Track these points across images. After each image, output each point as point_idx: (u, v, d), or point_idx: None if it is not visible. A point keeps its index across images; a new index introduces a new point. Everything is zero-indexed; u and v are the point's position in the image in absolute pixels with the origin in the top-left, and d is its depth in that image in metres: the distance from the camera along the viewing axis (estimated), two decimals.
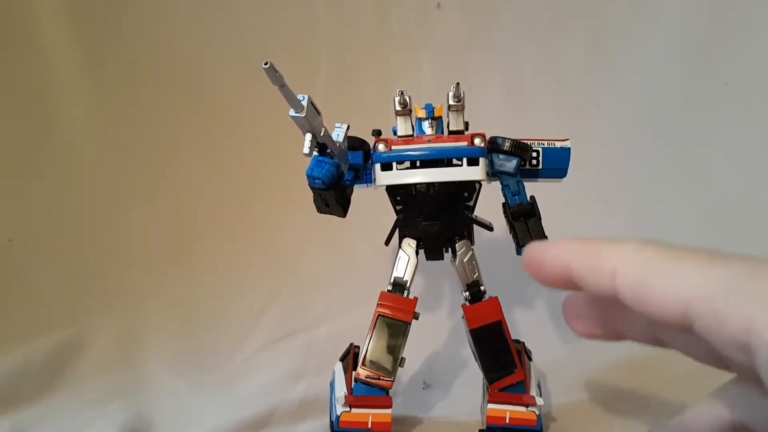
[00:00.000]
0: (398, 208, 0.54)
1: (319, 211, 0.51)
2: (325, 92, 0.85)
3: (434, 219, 0.52)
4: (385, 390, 0.50)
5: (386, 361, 0.51)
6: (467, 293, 0.53)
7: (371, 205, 0.56)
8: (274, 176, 0.86)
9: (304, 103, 0.40)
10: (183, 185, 0.87)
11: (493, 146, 0.49)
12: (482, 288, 0.53)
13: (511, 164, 0.50)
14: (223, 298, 0.81)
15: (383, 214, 0.55)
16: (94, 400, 0.64)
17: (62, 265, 0.81)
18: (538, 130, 0.53)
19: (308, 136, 0.42)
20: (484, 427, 0.51)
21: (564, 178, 0.53)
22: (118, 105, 0.85)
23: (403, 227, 0.54)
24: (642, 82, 0.84)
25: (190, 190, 0.87)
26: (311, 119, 0.41)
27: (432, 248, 0.54)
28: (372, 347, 0.51)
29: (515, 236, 0.49)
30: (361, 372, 0.51)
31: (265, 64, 0.34)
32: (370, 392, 0.50)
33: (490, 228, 0.54)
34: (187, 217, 0.87)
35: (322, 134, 0.43)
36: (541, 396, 0.51)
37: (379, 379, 0.50)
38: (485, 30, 0.87)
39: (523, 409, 0.50)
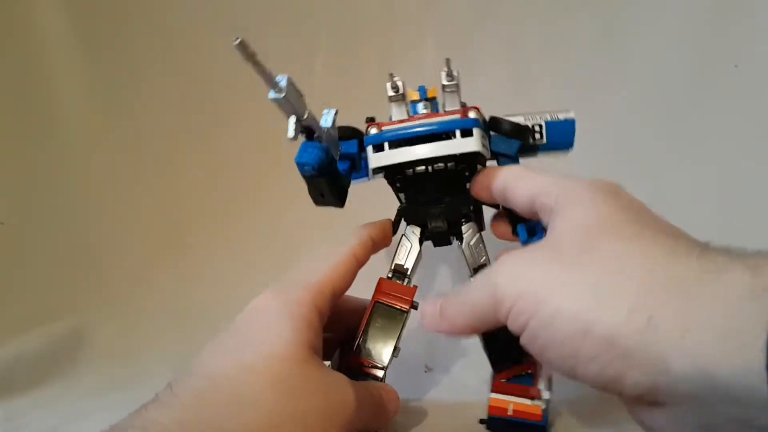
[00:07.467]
0: (400, 195, 0.52)
1: (316, 203, 0.48)
2: (324, 75, 0.83)
3: (437, 202, 0.50)
4: (377, 379, 0.49)
5: (380, 350, 0.49)
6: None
7: (372, 197, 0.55)
8: (274, 165, 0.84)
9: (283, 83, 0.38)
10: (183, 175, 0.86)
11: (494, 127, 0.47)
12: None
13: (511, 147, 0.48)
14: (223, 290, 0.80)
15: (385, 206, 0.54)
16: (93, 391, 0.64)
17: (60, 253, 0.81)
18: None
19: (292, 119, 0.40)
20: (485, 417, 0.50)
21: (571, 151, 0.50)
22: (115, 93, 0.85)
23: (406, 214, 0.52)
24: (650, 63, 0.81)
25: (190, 180, 0.86)
26: (293, 100, 0.39)
27: (437, 233, 0.52)
28: (366, 335, 0.49)
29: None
30: (354, 360, 0.49)
31: (236, 39, 0.31)
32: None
33: (497, 206, 0.52)
34: (186, 208, 0.86)
35: (305, 116, 0.41)
36: (551, 390, 0.49)
37: (371, 367, 0.49)
38: (491, 9, 0.85)
39: (528, 401, 0.48)
